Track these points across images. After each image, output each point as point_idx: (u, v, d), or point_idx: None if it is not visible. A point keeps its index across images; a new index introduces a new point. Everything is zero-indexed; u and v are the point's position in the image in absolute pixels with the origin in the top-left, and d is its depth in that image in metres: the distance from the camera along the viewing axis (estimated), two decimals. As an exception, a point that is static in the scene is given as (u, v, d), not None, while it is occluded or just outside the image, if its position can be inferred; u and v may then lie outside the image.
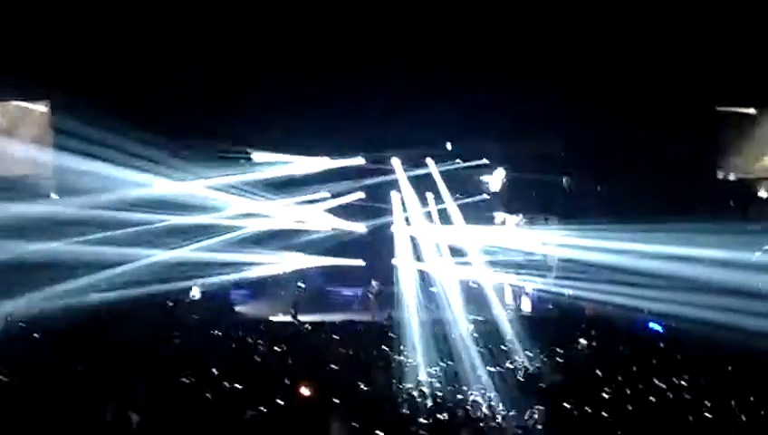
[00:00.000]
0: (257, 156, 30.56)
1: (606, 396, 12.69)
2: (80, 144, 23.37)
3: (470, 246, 32.10)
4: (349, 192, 33.00)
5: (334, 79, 24.88)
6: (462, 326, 23.69)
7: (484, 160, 31.51)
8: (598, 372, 14.74)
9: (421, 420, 11.46)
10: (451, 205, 32.59)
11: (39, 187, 26.34)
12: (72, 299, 22.82)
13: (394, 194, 33.45)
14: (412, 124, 25.99)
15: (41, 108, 26.95)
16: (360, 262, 33.97)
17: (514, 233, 31.56)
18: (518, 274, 31.24)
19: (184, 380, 13.51)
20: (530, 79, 23.70)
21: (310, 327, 23.72)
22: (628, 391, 13.07)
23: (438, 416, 11.78)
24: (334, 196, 33.01)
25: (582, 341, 19.25)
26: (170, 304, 26.47)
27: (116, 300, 23.63)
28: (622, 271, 24.39)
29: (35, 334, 18.90)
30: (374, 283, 31.27)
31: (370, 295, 31.16)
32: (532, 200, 31.64)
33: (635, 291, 23.59)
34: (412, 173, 32.54)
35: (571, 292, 28.16)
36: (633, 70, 24.01)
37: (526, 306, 31.55)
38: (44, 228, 23.69)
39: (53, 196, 26.67)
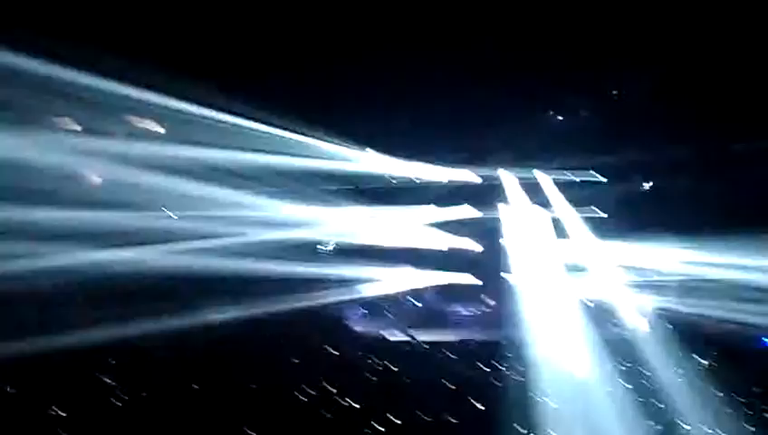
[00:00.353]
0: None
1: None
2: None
3: (589, 261, 31.80)
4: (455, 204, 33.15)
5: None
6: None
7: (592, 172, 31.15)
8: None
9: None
10: (567, 217, 32.32)
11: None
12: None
13: (502, 207, 33.36)
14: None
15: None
16: (475, 280, 33.96)
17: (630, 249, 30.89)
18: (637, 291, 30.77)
19: (300, 397, 13.80)
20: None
21: (427, 346, 23.81)
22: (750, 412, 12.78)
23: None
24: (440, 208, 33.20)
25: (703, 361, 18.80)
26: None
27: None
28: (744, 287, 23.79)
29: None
30: (488, 300, 31.23)
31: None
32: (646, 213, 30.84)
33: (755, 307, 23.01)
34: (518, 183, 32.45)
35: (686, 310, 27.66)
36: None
37: (644, 326, 30.99)
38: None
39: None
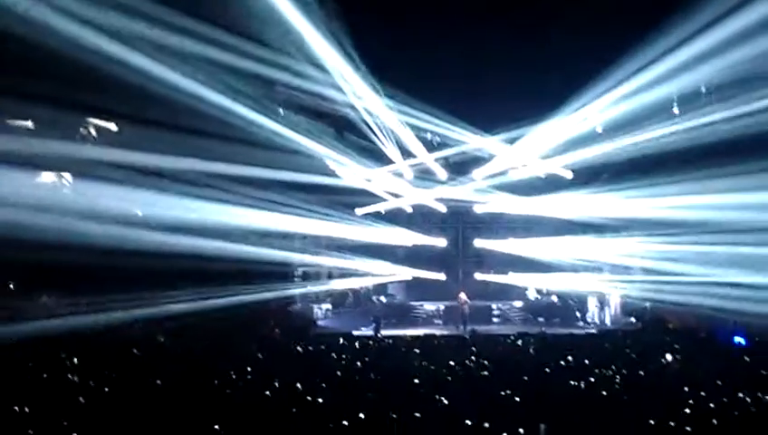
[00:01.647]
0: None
1: (689, 411, 12.52)
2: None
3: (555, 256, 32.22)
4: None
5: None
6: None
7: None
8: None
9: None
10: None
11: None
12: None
13: (477, 207, 33.63)
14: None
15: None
16: (441, 276, 34.15)
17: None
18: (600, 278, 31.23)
19: (267, 393, 13.76)
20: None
21: (391, 341, 23.88)
22: (713, 406, 12.86)
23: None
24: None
25: (668, 356, 18.90)
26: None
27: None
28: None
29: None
30: (462, 296, 31.35)
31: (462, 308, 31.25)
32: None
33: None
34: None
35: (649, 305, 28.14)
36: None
37: (608, 320, 31.34)
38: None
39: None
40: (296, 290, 30.95)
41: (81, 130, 26.03)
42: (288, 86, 25.35)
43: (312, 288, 31.52)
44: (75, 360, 17.13)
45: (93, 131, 25.98)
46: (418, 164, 31.88)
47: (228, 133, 24.34)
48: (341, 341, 23.69)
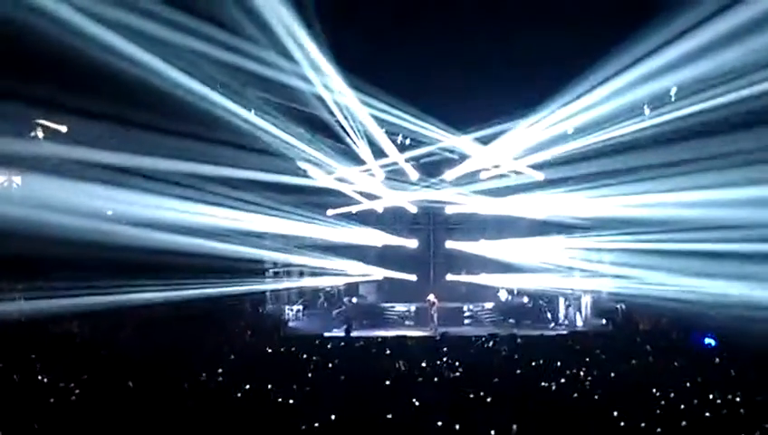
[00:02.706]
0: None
1: (659, 412, 12.58)
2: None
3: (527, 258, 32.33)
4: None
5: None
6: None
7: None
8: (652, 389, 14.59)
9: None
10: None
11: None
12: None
13: (449, 208, 33.67)
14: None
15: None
16: (412, 277, 34.13)
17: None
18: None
19: (238, 395, 13.69)
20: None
21: (362, 343, 23.84)
22: (683, 407, 12.92)
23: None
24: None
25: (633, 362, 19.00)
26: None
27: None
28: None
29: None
30: (431, 297, 31.34)
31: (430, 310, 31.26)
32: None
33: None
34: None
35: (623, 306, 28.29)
36: None
37: (579, 321, 31.47)
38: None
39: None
40: (267, 286, 30.75)
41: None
42: (257, 77, 25.03)
43: (282, 285, 31.36)
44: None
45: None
46: (390, 164, 31.82)
47: (196, 130, 24.21)
48: (313, 342, 23.64)
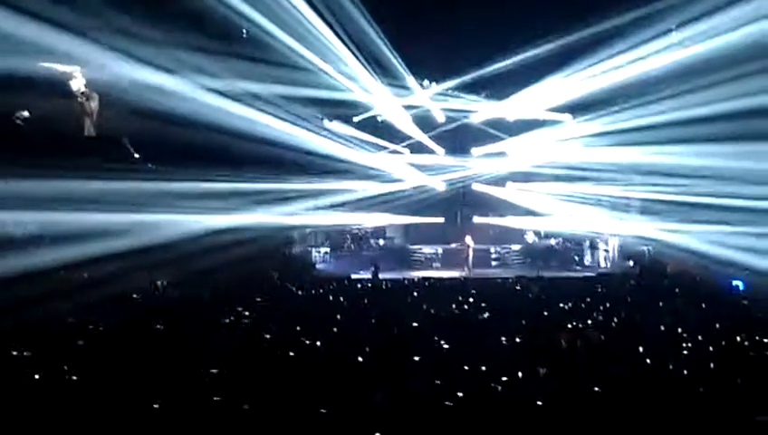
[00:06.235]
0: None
1: (687, 353, 12.55)
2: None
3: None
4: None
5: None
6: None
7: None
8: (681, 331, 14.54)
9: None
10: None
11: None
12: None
13: (475, 150, 33.54)
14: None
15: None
16: (440, 219, 34.14)
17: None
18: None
19: (266, 336, 13.77)
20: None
21: (390, 285, 23.93)
22: (711, 349, 12.87)
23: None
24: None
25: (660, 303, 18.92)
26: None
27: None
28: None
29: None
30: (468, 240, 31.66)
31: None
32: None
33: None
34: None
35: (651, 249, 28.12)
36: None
37: (606, 263, 31.42)
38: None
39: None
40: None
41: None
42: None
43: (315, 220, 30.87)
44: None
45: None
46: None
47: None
48: (341, 284, 23.74)
